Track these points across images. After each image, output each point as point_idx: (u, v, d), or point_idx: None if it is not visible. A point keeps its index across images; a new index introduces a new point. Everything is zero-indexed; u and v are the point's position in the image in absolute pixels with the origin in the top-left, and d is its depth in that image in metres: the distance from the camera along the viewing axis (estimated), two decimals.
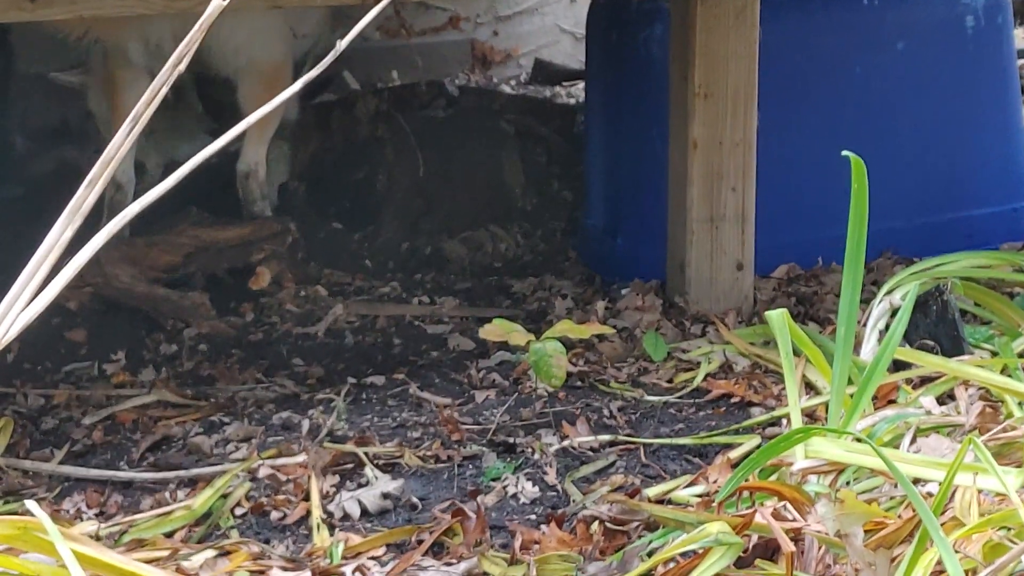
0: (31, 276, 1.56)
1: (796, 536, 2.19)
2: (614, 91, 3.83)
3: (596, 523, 2.48)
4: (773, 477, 2.46)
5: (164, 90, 1.65)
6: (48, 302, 1.72)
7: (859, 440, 2.40)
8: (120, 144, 1.62)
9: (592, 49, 3.96)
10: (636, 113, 3.75)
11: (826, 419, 2.84)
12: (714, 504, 2.33)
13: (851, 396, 2.57)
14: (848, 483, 2.47)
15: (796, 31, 3.72)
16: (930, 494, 2.29)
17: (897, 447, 2.56)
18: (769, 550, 2.25)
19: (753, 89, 3.47)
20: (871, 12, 3.76)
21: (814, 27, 3.74)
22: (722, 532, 2.14)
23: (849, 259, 2.45)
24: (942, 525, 2.14)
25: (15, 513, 2.70)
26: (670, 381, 3.19)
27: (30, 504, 1.91)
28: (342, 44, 1.85)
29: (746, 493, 2.38)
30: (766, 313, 2.71)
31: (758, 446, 2.81)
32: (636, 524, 2.46)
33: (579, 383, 3.17)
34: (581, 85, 5.68)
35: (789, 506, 2.30)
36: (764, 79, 3.49)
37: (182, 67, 1.65)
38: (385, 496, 2.65)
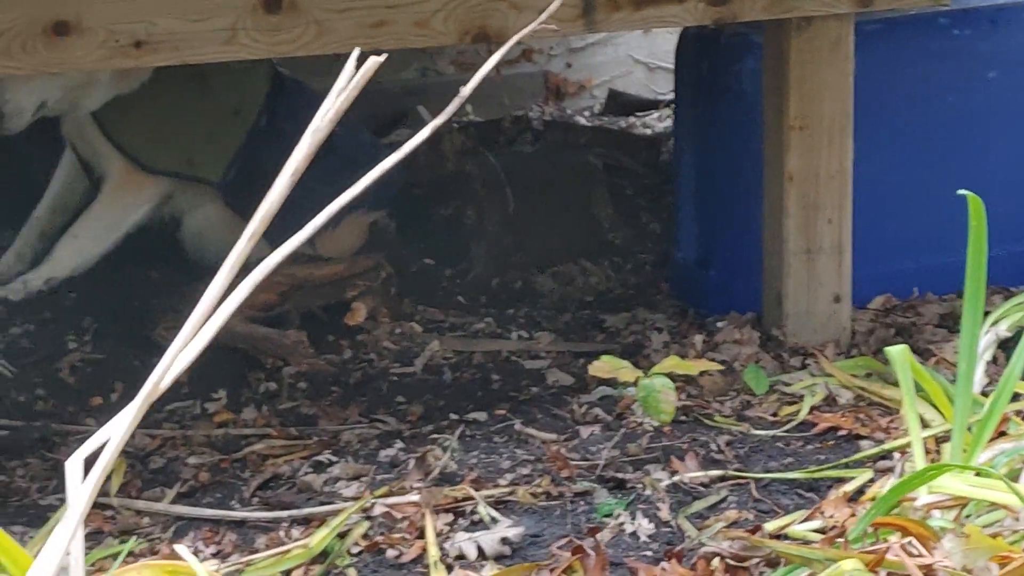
0: (198, 323, 1.59)
1: (927, 572, 2.20)
2: (705, 123, 3.85)
3: (716, 559, 2.48)
4: (894, 512, 2.46)
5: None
6: (203, 346, 1.76)
7: (980, 474, 2.40)
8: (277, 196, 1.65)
9: (681, 81, 3.97)
10: (728, 145, 3.76)
11: (937, 451, 2.84)
12: (840, 540, 2.34)
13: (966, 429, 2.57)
14: (968, 517, 2.47)
15: (887, 62, 3.72)
16: None
17: (1015, 480, 2.55)
18: None
19: (848, 120, 3.47)
20: (961, 41, 3.77)
21: (905, 57, 3.75)
22: (856, 569, 2.15)
23: (969, 296, 2.46)
24: None
25: (133, 553, 2.75)
26: (775, 415, 3.19)
27: (179, 548, 1.93)
28: (466, 88, 1.86)
29: (869, 528, 2.39)
30: (886, 349, 2.71)
31: (871, 480, 2.81)
32: (757, 560, 2.46)
33: (683, 417, 3.17)
34: (655, 115, 5.70)
35: (915, 541, 2.30)
36: (857, 109, 3.50)
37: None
38: (504, 541, 2.67)
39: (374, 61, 1.61)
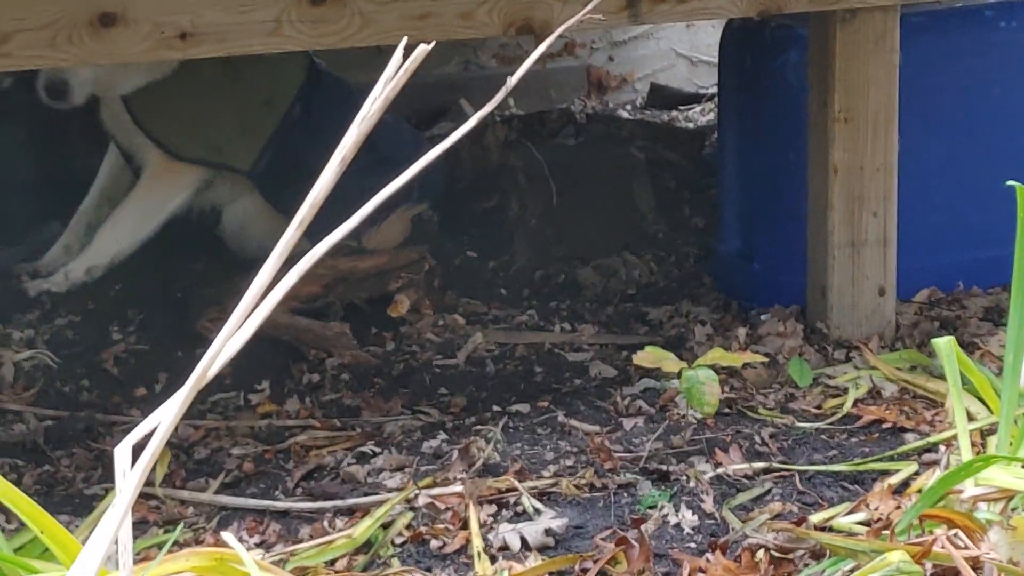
0: (245, 312, 1.60)
1: (974, 565, 2.19)
2: (749, 116, 3.83)
3: (761, 551, 2.48)
4: (940, 504, 2.45)
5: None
6: (248, 336, 1.76)
7: None
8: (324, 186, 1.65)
9: (725, 74, 3.96)
10: (772, 138, 3.75)
11: (983, 444, 2.83)
12: (885, 532, 2.33)
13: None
14: (1015, 509, 2.45)
15: (933, 54, 3.70)
16: None
17: None
18: None
19: (894, 113, 3.46)
20: (1007, 33, 3.74)
21: (951, 50, 3.73)
22: (903, 561, 2.14)
23: (1016, 287, 2.44)
24: None
25: (178, 542, 2.76)
26: (819, 407, 3.18)
27: (226, 535, 1.94)
28: (513, 79, 1.86)
29: (915, 521, 2.38)
30: (933, 341, 2.70)
31: (916, 472, 2.81)
32: (802, 552, 2.45)
33: (727, 410, 3.17)
34: (698, 109, 5.70)
35: (961, 534, 2.29)
36: (901, 102, 3.48)
37: None
38: (548, 532, 2.67)
39: (423, 49, 1.60)
